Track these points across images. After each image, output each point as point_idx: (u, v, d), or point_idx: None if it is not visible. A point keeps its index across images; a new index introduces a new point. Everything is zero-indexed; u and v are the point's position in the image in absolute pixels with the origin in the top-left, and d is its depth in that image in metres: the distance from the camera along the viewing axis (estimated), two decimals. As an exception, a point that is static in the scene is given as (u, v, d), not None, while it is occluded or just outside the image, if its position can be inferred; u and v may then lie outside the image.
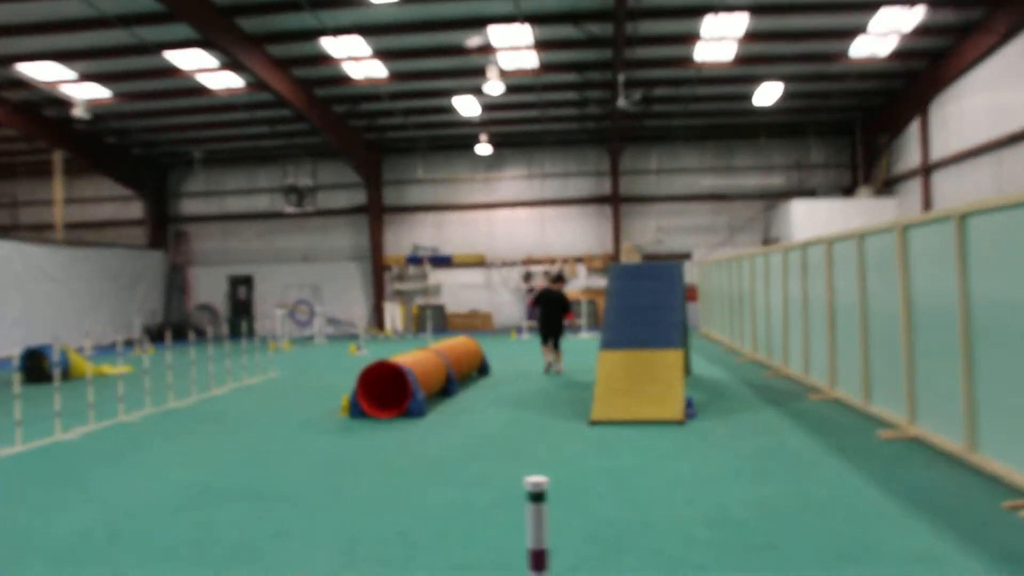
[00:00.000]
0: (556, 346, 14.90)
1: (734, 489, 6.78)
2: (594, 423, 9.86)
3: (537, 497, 2.27)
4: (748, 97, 24.69)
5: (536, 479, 2.27)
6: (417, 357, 12.02)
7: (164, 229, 31.85)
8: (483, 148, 28.52)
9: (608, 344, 11.21)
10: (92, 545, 5.71)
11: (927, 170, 22.62)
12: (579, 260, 29.75)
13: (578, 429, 9.69)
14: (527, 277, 13.89)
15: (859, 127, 27.41)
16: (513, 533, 5.74)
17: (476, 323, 29.97)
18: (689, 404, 10.16)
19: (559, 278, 15.41)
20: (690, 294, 26.79)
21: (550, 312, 14.86)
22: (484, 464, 8.07)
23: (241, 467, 8.21)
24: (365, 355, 20.30)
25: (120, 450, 9.20)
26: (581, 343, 22.53)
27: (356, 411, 10.85)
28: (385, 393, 11.26)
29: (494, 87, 20.80)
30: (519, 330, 26.82)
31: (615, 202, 28.82)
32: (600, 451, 8.47)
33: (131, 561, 5.34)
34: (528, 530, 2.28)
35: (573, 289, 29.33)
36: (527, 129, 28.71)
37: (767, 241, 27.78)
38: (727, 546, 5.33)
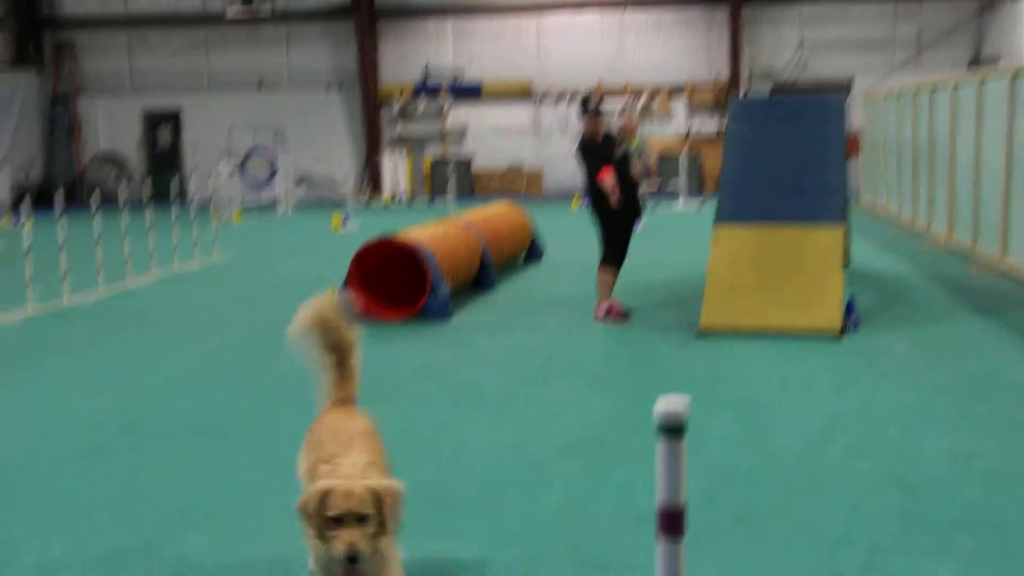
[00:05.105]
0: (613, 260, 10.96)
1: (923, 437, 6.74)
2: (704, 332, 9.91)
3: (673, 431, 2.21)
4: None
5: (672, 402, 2.20)
6: (437, 232, 12.04)
7: (38, 37, 31.77)
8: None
9: (727, 216, 11.10)
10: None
11: None
12: (675, 91, 29.27)
13: (680, 341, 9.76)
14: (585, 104, 10.64)
15: None
16: (595, 494, 5.81)
17: (518, 186, 29.89)
18: (850, 309, 10.11)
19: (592, 109, 10.79)
20: (849, 146, 26.39)
21: (591, 183, 10.77)
22: (543, 391, 8.14)
23: (176, 395, 8.33)
24: (355, 231, 20.38)
25: (-5, 366, 9.38)
26: (674, 220, 22.40)
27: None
28: (390, 285, 11.35)
29: None
30: (585, 196, 26.76)
31: (734, 1, 28.12)
32: (716, 375, 8.50)
33: (19, 529, 5.47)
34: (659, 478, 2.23)
35: (666, 136, 28.98)
36: None
37: (978, 63, 27.02)
38: (916, 521, 5.31)
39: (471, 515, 5.53)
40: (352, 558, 3.69)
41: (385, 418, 7.38)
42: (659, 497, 2.24)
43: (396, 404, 7.80)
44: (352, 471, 3.93)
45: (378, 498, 3.78)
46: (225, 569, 4.85)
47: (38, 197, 28.85)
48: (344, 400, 4.65)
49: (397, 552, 4.07)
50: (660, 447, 2.21)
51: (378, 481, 3.87)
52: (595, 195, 10.61)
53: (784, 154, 11.84)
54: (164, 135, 31.98)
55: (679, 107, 29.23)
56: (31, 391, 8.47)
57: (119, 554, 5.05)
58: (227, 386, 8.52)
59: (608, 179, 10.32)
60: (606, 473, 6.15)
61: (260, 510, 5.66)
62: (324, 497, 3.75)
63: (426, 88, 30.11)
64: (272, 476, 6.15)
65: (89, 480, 6.20)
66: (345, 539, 3.69)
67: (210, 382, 8.71)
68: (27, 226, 12.66)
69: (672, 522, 2.25)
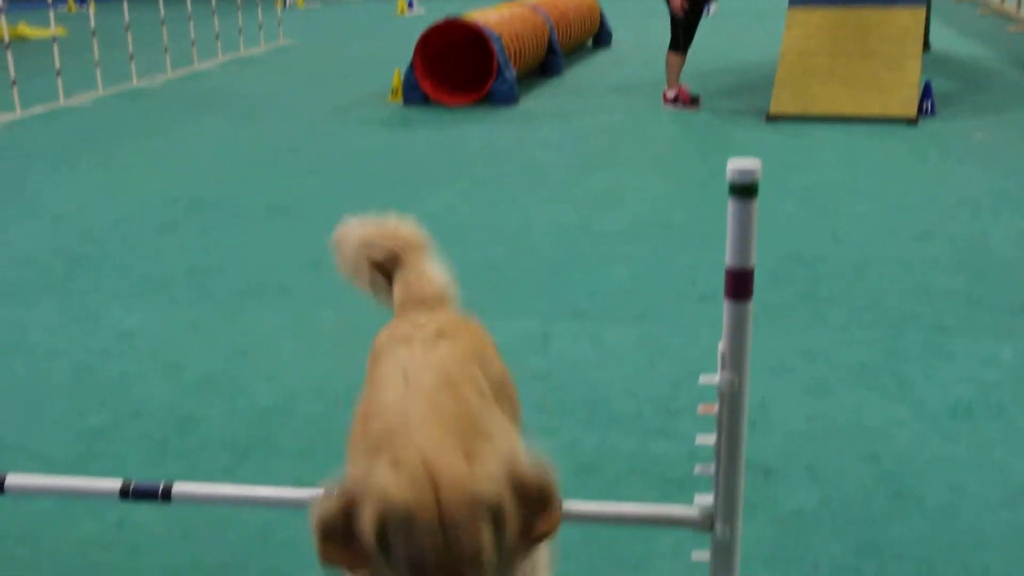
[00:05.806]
0: (682, 44, 10.49)
1: (995, 220, 6.66)
2: (774, 118, 9.74)
3: (746, 191, 2.16)
4: None
5: (744, 163, 2.15)
6: (503, 15, 11.80)
7: None
8: None
9: (802, -2, 10.78)
10: (43, 277, 6.01)
11: None
12: None
13: (749, 127, 9.65)
14: None
15: None
16: (659, 273, 5.83)
17: (586, -30, 29.07)
18: (926, 93, 9.87)
19: None
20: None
21: None
22: (609, 174, 8.11)
23: (246, 175, 8.42)
24: (421, 15, 20.09)
25: (67, 149, 9.46)
26: (746, 3, 21.74)
27: (415, 95, 10.90)
28: (456, 69, 11.23)
29: None
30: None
31: None
32: (785, 160, 8.39)
33: (99, 298, 5.62)
34: (729, 239, 2.19)
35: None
36: None
37: None
38: (986, 302, 5.28)
39: (536, 293, 5.57)
40: None
41: (452, 200, 7.44)
42: (728, 259, 2.22)
43: (463, 185, 7.82)
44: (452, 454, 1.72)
45: (504, 508, 1.69)
46: (292, 337, 4.98)
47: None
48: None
49: None
50: (731, 207, 2.17)
51: (513, 464, 1.74)
52: None
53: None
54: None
55: None
56: (105, 170, 8.59)
57: (193, 324, 5.19)
58: (296, 166, 8.58)
59: None
60: (671, 254, 6.14)
61: (325, 285, 5.73)
62: (385, 523, 1.65)
63: None
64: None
65: (164, 254, 6.32)
66: None
67: (279, 162, 8.77)
68: (91, 8, 12.61)
69: (740, 283, 2.22)
